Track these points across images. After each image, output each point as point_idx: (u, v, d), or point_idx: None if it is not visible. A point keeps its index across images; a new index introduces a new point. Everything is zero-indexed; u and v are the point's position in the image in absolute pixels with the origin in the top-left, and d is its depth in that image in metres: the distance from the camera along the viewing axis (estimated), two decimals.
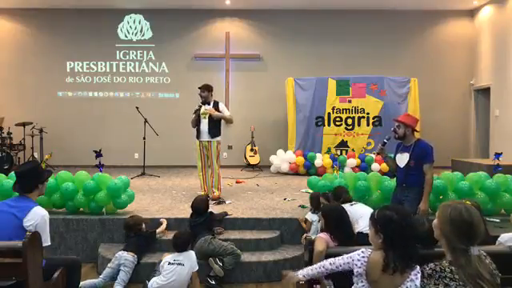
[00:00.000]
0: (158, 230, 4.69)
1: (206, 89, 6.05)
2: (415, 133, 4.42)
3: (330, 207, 3.54)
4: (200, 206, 4.65)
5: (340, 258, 2.42)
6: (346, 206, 3.89)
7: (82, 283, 3.89)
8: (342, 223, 3.21)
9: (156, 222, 4.92)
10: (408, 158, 4.27)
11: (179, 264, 3.87)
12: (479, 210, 2.90)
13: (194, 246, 4.30)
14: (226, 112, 6.14)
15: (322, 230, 3.24)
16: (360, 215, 4.05)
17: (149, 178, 8.28)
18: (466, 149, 10.25)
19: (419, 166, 4.23)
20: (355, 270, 2.27)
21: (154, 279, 3.88)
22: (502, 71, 9.01)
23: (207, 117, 5.96)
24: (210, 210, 4.81)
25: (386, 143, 4.49)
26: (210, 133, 5.98)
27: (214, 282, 4.20)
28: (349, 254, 2.38)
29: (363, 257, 2.25)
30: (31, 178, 3.13)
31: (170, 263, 3.88)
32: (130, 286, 4.20)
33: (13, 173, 4.47)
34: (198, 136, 6.02)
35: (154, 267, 4.18)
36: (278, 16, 10.24)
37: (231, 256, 4.31)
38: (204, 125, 5.98)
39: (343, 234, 3.15)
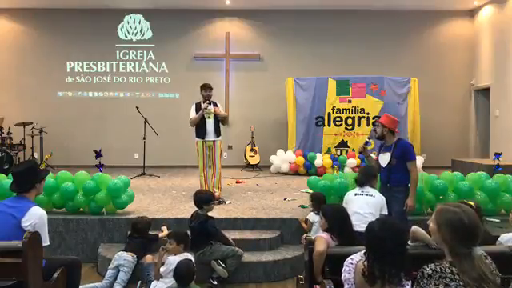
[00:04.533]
0: (160, 235, 4.68)
1: (212, 88, 6.11)
2: (395, 133, 4.48)
3: (334, 208, 3.49)
4: (198, 196, 4.52)
5: (346, 261, 2.42)
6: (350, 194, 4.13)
7: (83, 287, 3.88)
8: (345, 224, 3.21)
9: (158, 223, 4.91)
10: (390, 157, 4.33)
11: None
12: (479, 211, 2.90)
13: (194, 255, 4.21)
14: (223, 112, 6.25)
15: (325, 230, 3.22)
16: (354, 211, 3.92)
17: (149, 178, 8.28)
18: (466, 149, 10.25)
19: (401, 164, 4.31)
20: (343, 275, 2.27)
21: (155, 283, 3.86)
22: (502, 71, 9.01)
23: (212, 116, 5.98)
24: (210, 215, 4.55)
25: (368, 142, 4.60)
26: (216, 132, 6.03)
27: (215, 283, 4.20)
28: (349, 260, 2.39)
29: (351, 263, 2.25)
30: (28, 178, 3.12)
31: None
32: (130, 287, 4.20)
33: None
34: (203, 136, 6.00)
35: (150, 267, 4.17)
36: (278, 16, 10.24)
37: (233, 257, 4.31)
38: (210, 124, 5.99)
39: (345, 235, 3.14)
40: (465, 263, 1.93)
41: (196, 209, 4.56)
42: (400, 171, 4.31)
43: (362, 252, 2.34)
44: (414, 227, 3.20)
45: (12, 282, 2.77)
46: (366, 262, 2.19)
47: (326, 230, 3.20)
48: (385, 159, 4.39)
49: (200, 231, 4.34)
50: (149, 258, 4.27)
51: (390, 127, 4.40)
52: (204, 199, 4.49)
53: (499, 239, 2.97)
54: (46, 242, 3.01)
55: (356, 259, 2.25)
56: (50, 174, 5.12)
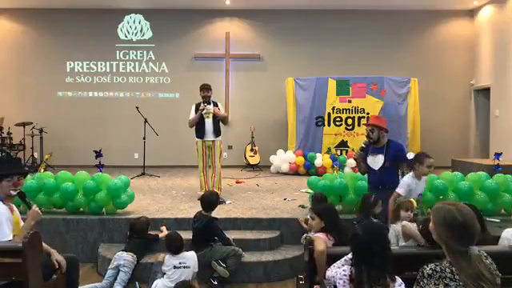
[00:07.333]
0: (160, 235, 4.68)
1: (211, 88, 6.10)
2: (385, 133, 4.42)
3: (330, 208, 3.61)
4: (207, 198, 4.48)
5: (329, 269, 2.47)
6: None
7: (83, 287, 3.89)
8: (339, 223, 3.34)
9: (157, 223, 4.92)
10: (383, 160, 4.27)
11: (185, 267, 3.90)
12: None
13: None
14: (223, 112, 6.25)
15: (321, 230, 3.25)
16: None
17: (149, 178, 8.27)
18: (466, 149, 10.25)
19: (394, 165, 4.30)
20: None
21: (157, 281, 3.88)
22: (502, 71, 9.01)
23: (211, 116, 5.98)
24: (214, 216, 4.51)
25: (364, 148, 4.46)
26: (215, 132, 6.03)
27: (216, 283, 4.21)
28: (334, 269, 2.42)
29: (345, 275, 2.28)
30: None
31: (176, 267, 3.88)
32: (130, 287, 4.20)
33: None
34: (202, 136, 6.01)
35: (159, 267, 4.16)
36: (278, 16, 10.24)
37: (233, 257, 4.31)
38: (209, 124, 5.99)
39: (341, 233, 3.24)
40: (462, 262, 1.94)
41: (197, 209, 4.56)
42: (392, 172, 4.29)
43: (347, 258, 2.38)
44: (404, 222, 3.24)
45: (11, 281, 2.77)
46: (352, 268, 2.24)
47: (322, 229, 3.23)
48: (377, 162, 4.32)
49: (204, 232, 4.34)
50: (161, 257, 4.24)
51: (384, 127, 4.35)
52: (214, 201, 4.50)
53: (504, 234, 2.93)
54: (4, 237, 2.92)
55: (348, 271, 2.28)
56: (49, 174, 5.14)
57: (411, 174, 4.18)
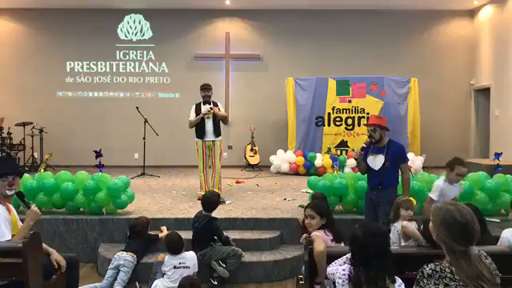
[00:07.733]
0: (161, 235, 4.68)
1: (211, 88, 6.10)
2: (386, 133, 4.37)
3: (327, 206, 3.72)
4: (206, 198, 4.48)
5: (329, 266, 2.48)
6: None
7: (83, 287, 3.89)
8: (333, 219, 3.42)
9: (158, 223, 4.92)
10: (384, 160, 4.22)
11: (185, 267, 3.90)
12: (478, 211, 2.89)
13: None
14: (223, 111, 6.26)
15: (320, 227, 3.26)
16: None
17: (149, 178, 8.28)
18: (466, 149, 10.24)
19: (394, 166, 4.26)
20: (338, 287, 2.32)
21: (156, 282, 3.89)
22: (501, 71, 9.01)
23: (211, 116, 5.98)
24: (214, 216, 4.50)
25: (364, 147, 4.38)
26: (215, 132, 6.03)
27: (216, 283, 4.21)
28: (335, 267, 2.43)
29: (344, 274, 2.29)
30: None
31: (176, 267, 3.89)
32: (130, 286, 4.20)
33: None
34: (202, 136, 6.02)
35: (159, 266, 4.17)
36: (278, 16, 10.24)
37: (233, 257, 4.31)
38: (209, 125, 5.99)
39: (337, 230, 3.28)
40: (462, 262, 1.94)
41: (197, 209, 4.56)
42: (392, 172, 4.26)
43: (348, 256, 2.38)
44: (405, 222, 3.24)
45: (11, 280, 2.77)
46: (352, 269, 2.25)
47: (321, 227, 3.23)
48: (377, 162, 4.27)
49: (204, 232, 4.34)
50: (161, 257, 4.25)
51: (385, 126, 4.31)
52: (215, 201, 4.50)
53: (504, 234, 2.92)
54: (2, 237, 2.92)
55: (347, 270, 2.29)
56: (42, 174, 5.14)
57: (443, 177, 4.18)
